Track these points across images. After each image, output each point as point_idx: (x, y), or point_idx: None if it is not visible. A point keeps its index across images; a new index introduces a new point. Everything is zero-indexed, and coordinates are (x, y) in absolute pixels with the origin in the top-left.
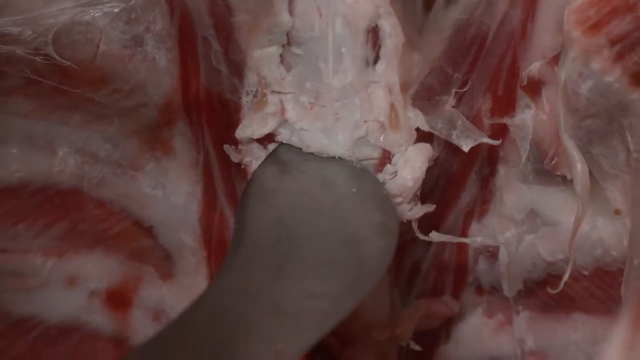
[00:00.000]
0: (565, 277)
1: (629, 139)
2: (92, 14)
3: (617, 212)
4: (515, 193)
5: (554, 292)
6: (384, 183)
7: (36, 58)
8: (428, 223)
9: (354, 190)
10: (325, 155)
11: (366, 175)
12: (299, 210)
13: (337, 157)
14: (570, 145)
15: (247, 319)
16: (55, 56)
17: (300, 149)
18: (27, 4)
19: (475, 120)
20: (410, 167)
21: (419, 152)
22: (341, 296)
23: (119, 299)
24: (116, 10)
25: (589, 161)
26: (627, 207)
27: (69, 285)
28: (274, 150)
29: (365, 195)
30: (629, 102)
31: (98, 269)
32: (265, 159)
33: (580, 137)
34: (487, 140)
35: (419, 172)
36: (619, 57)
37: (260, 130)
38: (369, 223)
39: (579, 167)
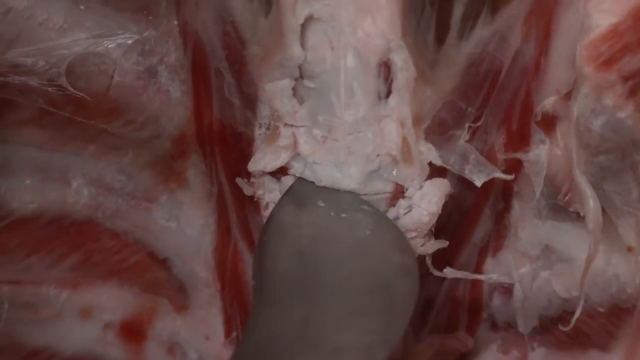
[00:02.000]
0: (577, 314)
1: None
2: (105, 45)
3: (629, 249)
4: (529, 228)
5: (566, 329)
6: (397, 218)
7: (50, 89)
8: (442, 258)
9: (368, 232)
10: (338, 189)
11: (379, 216)
12: (320, 256)
13: (349, 191)
14: (583, 182)
15: None
16: (69, 87)
17: (313, 196)
18: (41, 35)
19: (489, 155)
20: (426, 201)
21: (436, 187)
22: (372, 347)
23: (133, 331)
24: (130, 41)
25: (601, 198)
26: (639, 244)
27: (83, 317)
28: (290, 187)
29: (381, 237)
30: None
31: (112, 300)
32: (282, 196)
33: (593, 174)
34: (500, 175)
35: (435, 207)
36: (632, 93)
37: (273, 164)
38: (389, 265)
39: (591, 204)
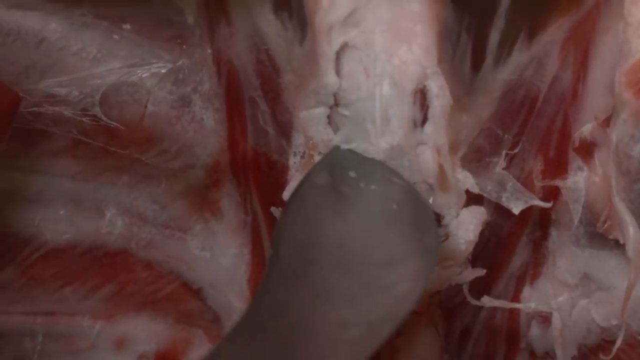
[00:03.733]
0: (618, 344)
1: None
2: (139, 74)
3: None
4: (568, 256)
5: (607, 358)
6: None
7: (83, 119)
8: (479, 286)
9: (395, 206)
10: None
11: (409, 190)
12: (335, 230)
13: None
14: (622, 209)
15: (281, 352)
16: (103, 117)
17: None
18: (74, 65)
19: (526, 182)
20: (463, 230)
21: (472, 215)
22: (376, 323)
23: None
24: (163, 70)
25: None
26: None
27: (118, 348)
28: (325, 156)
29: (407, 212)
30: None
31: (146, 331)
32: (314, 165)
33: (633, 200)
34: (538, 202)
35: (472, 235)
36: None
37: None
38: (407, 242)
39: (632, 231)
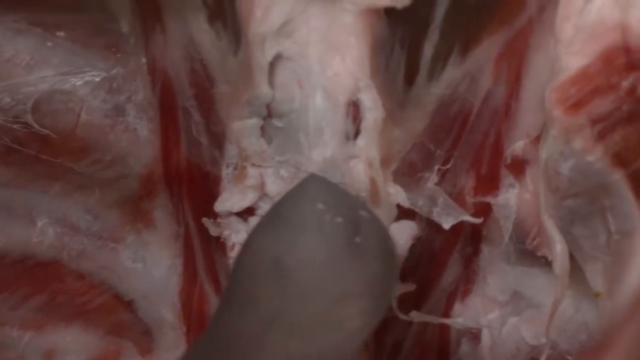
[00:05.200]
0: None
1: (610, 220)
2: (73, 82)
3: (597, 294)
4: (498, 274)
5: None
6: None
7: (15, 126)
8: (410, 301)
9: (357, 239)
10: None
11: (373, 222)
12: (291, 261)
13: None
14: (550, 226)
15: None
16: (34, 125)
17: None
18: (7, 72)
19: (458, 199)
20: None
21: (403, 230)
22: (325, 358)
23: None
24: (97, 79)
25: (570, 242)
26: (607, 290)
27: (47, 359)
28: (300, 184)
29: (368, 246)
30: (610, 182)
31: (76, 343)
32: (274, 205)
33: (561, 217)
34: (468, 218)
35: (402, 250)
36: (600, 136)
37: (240, 204)
38: (365, 278)
39: (559, 248)
